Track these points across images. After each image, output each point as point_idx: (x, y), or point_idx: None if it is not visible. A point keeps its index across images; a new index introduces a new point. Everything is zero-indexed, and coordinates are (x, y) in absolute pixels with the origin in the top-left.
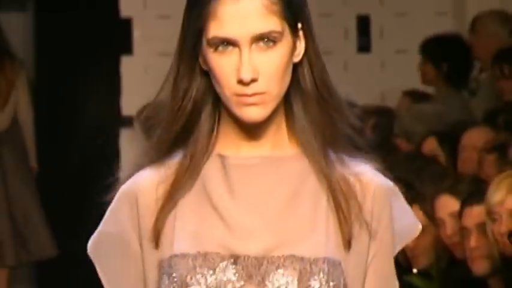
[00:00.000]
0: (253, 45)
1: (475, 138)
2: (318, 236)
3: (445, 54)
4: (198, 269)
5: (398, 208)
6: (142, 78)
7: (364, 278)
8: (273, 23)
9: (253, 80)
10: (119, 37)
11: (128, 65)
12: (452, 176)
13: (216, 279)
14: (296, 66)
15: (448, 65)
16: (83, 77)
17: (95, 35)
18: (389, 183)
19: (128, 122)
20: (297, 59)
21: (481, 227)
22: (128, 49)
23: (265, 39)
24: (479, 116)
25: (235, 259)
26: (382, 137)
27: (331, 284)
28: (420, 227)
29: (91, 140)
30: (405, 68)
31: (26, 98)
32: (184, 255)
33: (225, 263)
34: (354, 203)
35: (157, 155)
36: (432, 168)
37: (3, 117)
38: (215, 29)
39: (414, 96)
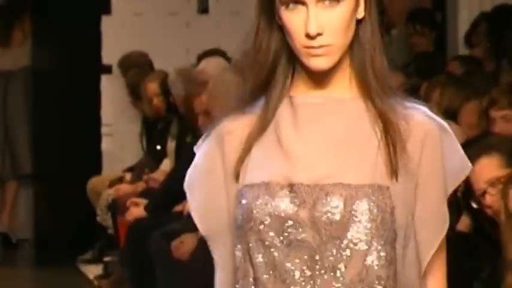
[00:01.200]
0: (319, 4)
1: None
2: (366, 165)
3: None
4: (261, 197)
5: (449, 148)
6: (119, 34)
7: (413, 209)
8: None
9: (319, 34)
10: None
11: (107, 23)
12: None
13: (275, 205)
14: (358, 21)
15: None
16: (71, 33)
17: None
18: (439, 124)
19: (107, 69)
20: (359, 15)
21: None
22: (107, 10)
23: None
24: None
25: (291, 187)
26: None
27: (376, 206)
28: (470, 166)
29: (77, 83)
30: None
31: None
32: (252, 185)
33: (283, 191)
34: (400, 140)
35: (244, 102)
36: None
37: (10, 59)
38: None
39: None
